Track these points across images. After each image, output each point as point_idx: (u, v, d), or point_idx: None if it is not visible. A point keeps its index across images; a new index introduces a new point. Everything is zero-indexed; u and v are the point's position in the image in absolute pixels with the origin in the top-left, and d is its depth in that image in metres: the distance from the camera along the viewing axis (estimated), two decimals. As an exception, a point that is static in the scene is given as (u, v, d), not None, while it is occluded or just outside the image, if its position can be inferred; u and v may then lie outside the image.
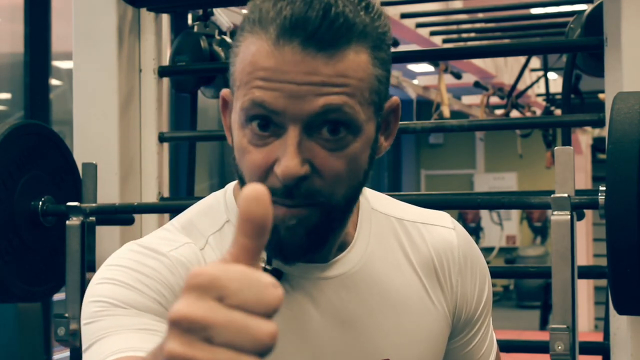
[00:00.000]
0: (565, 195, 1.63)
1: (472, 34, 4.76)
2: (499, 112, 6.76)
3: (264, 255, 0.97)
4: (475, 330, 1.13)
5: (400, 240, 1.06)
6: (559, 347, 1.60)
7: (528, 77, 6.11)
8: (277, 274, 0.97)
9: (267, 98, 0.86)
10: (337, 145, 0.89)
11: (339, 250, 1.01)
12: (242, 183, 0.93)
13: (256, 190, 0.54)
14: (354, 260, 1.01)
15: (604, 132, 1.70)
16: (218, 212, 1.01)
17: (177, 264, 0.94)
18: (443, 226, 1.09)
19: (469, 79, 5.95)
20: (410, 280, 1.04)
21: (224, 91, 0.97)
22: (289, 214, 0.90)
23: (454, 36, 4.69)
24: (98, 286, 0.94)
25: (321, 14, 0.84)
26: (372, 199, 1.07)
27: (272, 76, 0.86)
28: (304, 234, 0.90)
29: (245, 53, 0.89)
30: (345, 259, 1.00)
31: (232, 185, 1.04)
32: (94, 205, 2.04)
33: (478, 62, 5.39)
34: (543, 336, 2.01)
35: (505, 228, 12.26)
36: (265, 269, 0.97)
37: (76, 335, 2.01)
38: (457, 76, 5.67)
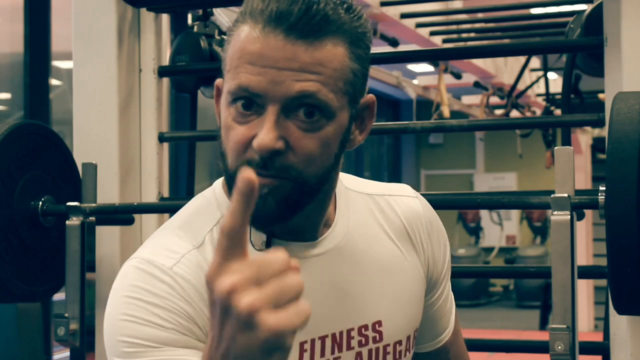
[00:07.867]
0: (565, 195, 1.63)
1: (472, 34, 4.77)
2: (498, 112, 6.76)
3: (263, 237, 1.06)
4: (442, 289, 1.26)
5: (374, 213, 1.17)
6: (559, 347, 1.60)
7: (528, 77, 6.11)
8: None
9: (251, 83, 0.97)
10: (311, 127, 0.99)
11: (325, 228, 1.12)
12: (224, 160, 1.03)
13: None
14: (339, 236, 1.12)
15: (604, 132, 1.70)
16: (211, 209, 1.10)
17: (186, 287, 1.01)
18: (407, 196, 1.22)
19: (469, 79, 5.95)
20: (389, 249, 1.16)
21: (218, 80, 1.07)
22: (262, 182, 0.97)
23: (454, 36, 4.69)
24: (122, 323, 1.00)
25: (304, 8, 0.97)
26: (344, 180, 1.18)
27: (258, 61, 0.98)
28: (274, 203, 1.00)
29: (236, 40, 1.01)
30: (331, 236, 1.11)
31: (219, 182, 1.12)
32: (93, 205, 2.04)
33: (478, 62, 5.40)
34: (543, 336, 2.01)
35: (505, 228, 12.27)
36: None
37: (76, 335, 2.01)
38: (457, 76, 5.67)
